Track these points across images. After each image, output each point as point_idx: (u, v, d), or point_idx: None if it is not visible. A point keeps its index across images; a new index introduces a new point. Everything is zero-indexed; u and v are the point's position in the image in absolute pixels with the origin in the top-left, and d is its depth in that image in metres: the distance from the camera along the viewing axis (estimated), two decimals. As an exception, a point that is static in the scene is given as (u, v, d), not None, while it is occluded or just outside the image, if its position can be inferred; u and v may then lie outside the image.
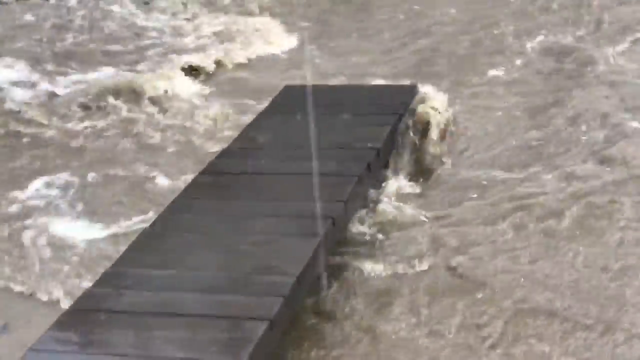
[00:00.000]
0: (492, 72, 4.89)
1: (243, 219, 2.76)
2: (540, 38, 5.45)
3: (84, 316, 2.21)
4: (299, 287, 2.34)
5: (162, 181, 3.63)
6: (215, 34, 6.12)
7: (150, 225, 2.78)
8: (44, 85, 5.03)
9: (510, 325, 2.36)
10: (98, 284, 2.43)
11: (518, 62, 5.05)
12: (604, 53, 5.00)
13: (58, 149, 4.15)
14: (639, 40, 5.31)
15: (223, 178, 3.17)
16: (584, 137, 3.75)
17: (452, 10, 6.27)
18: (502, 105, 4.34)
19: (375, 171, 3.23)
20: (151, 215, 3.08)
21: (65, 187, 3.66)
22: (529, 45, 5.30)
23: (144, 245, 2.63)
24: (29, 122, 4.50)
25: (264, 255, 2.48)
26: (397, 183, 3.33)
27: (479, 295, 2.51)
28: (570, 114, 4.04)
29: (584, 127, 3.86)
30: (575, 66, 4.86)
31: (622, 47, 5.16)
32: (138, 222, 3.17)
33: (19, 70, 5.26)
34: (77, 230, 3.20)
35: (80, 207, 3.45)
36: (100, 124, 4.42)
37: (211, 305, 2.21)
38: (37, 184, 3.72)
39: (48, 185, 3.71)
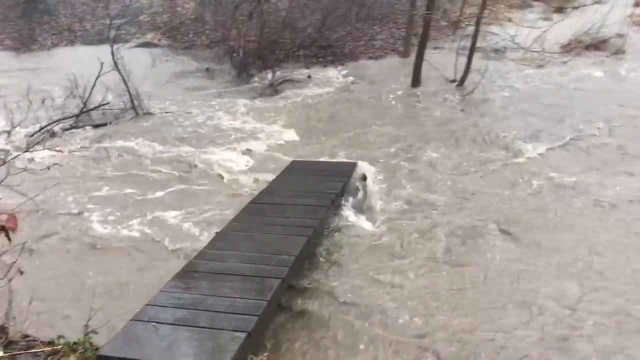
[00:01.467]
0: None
1: (268, 226, 5.66)
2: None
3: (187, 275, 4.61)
4: (297, 262, 4.77)
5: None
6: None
7: (220, 230, 5.74)
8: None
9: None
10: (197, 257, 5.07)
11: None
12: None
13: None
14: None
15: (260, 206, 6.11)
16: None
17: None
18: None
19: (336, 204, 6.30)
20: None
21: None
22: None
23: (219, 238, 5.54)
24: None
25: (279, 245, 5.02)
26: (347, 211, 6.37)
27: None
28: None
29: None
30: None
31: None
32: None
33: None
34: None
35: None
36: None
37: (250, 270, 4.59)
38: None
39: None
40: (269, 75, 12.45)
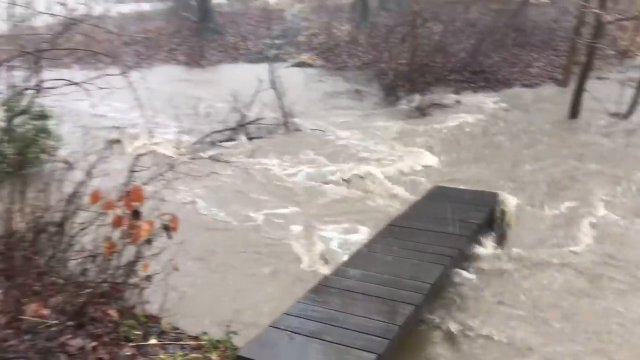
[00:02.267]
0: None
1: (404, 250, 5.62)
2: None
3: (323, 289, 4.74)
4: (432, 290, 4.68)
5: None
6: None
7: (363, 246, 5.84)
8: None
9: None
10: (333, 273, 5.10)
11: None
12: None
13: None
14: None
15: (398, 229, 6.06)
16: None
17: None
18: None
19: (476, 234, 6.12)
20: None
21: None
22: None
23: (355, 257, 5.61)
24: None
25: (415, 271, 4.95)
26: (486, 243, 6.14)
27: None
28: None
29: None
30: None
31: None
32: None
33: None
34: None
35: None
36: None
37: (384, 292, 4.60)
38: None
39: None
40: (417, 99, 12.44)
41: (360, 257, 5.27)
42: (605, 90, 11.49)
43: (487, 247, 5.98)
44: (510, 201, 6.71)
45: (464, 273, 5.53)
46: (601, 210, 6.97)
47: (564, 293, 5.23)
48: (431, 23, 15.45)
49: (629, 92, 10.62)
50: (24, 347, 3.59)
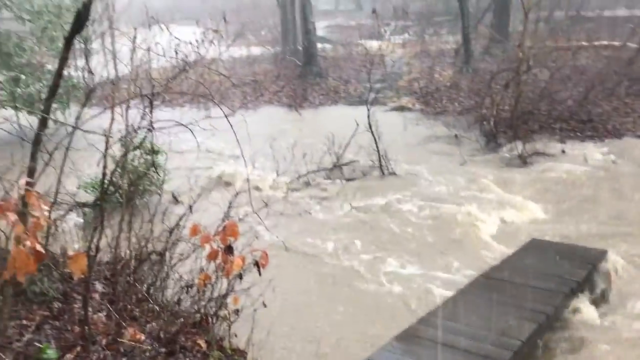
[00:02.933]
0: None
1: (496, 304, 5.37)
2: None
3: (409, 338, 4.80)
4: (523, 348, 4.50)
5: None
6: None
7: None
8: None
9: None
10: (419, 322, 5.03)
11: None
12: None
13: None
14: None
15: (491, 281, 5.87)
16: None
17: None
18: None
19: (575, 293, 5.77)
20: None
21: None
22: None
23: (444, 307, 5.48)
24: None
25: (506, 326, 4.83)
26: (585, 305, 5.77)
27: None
28: None
29: None
30: None
31: None
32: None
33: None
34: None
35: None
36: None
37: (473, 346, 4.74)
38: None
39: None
40: (519, 146, 12.08)
41: (449, 308, 5.15)
42: None
43: (584, 309, 5.60)
44: (614, 260, 6.30)
45: (557, 334, 5.21)
46: None
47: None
48: (537, 69, 15.04)
49: None
50: (119, 369, 3.81)
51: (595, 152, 12.04)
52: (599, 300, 5.89)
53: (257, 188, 9.55)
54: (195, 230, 4.35)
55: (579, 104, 14.49)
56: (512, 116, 13.54)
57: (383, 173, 10.94)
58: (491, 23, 22.35)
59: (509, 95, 14.16)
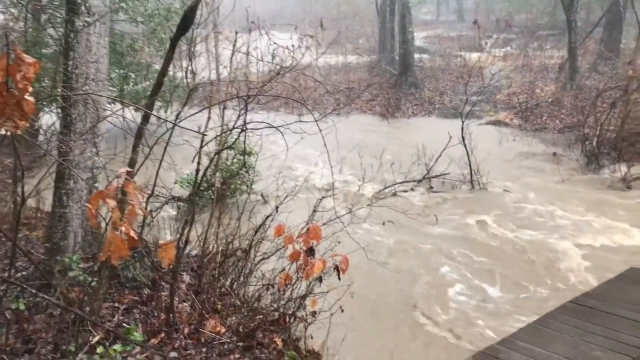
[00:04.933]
0: None
1: (584, 332, 4.97)
2: None
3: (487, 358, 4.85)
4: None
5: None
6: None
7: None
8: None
9: None
10: (500, 343, 4.90)
11: None
12: None
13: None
14: None
15: (581, 308, 5.47)
16: None
17: None
18: None
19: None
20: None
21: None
22: None
23: (528, 330, 5.25)
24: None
25: (594, 357, 4.58)
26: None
27: None
28: None
29: None
30: None
31: None
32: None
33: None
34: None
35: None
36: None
37: None
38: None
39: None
40: (623, 169, 11.36)
41: (532, 332, 4.94)
42: None
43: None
44: None
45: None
46: None
47: None
48: (649, 88, 14.08)
49: None
50: (199, 358, 3.97)
51: None
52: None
53: (343, 194, 9.61)
54: (279, 231, 4.47)
55: (694, 127, 13.41)
56: (617, 137, 12.77)
57: (473, 187, 10.67)
58: (601, 38, 21.18)
59: (615, 115, 13.35)
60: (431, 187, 10.66)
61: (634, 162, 11.62)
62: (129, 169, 2.73)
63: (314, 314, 4.49)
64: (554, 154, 13.23)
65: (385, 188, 10.29)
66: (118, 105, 9.15)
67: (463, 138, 10.98)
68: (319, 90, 17.83)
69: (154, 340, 4.09)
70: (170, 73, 12.48)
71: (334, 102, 19.28)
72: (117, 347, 3.47)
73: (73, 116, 4.66)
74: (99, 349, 3.41)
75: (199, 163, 4.60)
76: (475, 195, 10.43)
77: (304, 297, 4.63)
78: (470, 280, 6.90)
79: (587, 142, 13.09)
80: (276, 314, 4.75)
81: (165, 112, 13.25)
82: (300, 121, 4.89)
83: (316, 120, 4.61)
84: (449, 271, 7.19)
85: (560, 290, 6.58)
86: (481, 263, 7.47)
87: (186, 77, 9.88)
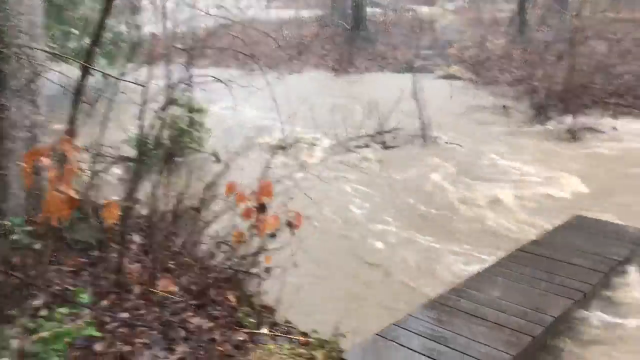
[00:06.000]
0: None
1: (531, 278, 5.10)
2: None
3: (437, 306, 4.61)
4: (555, 325, 4.35)
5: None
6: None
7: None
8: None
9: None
10: (450, 291, 4.81)
11: None
12: None
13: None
14: None
15: (527, 255, 5.61)
16: None
17: None
18: None
19: (615, 272, 5.58)
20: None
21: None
22: None
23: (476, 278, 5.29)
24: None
25: (539, 302, 4.64)
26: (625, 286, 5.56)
27: None
28: None
29: None
30: None
31: None
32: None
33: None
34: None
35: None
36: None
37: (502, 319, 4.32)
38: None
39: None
40: (569, 120, 11.67)
41: (481, 280, 5.08)
42: None
43: (624, 290, 5.41)
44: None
45: (593, 314, 5.05)
46: None
47: None
48: (594, 41, 14.40)
49: None
50: (151, 318, 3.93)
51: (650, 130, 11.54)
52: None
53: (297, 150, 9.54)
54: (230, 189, 4.40)
55: (637, 79, 13.83)
56: (564, 89, 13.06)
57: (425, 142, 10.77)
58: (550, -9, 21.40)
59: (562, 68, 13.63)
60: (384, 142, 10.70)
61: (580, 113, 11.93)
62: (68, 127, 2.60)
63: (267, 270, 4.48)
64: (504, 106, 13.45)
65: (339, 143, 10.27)
66: (63, 65, 8.73)
67: (415, 93, 11.01)
68: (270, 45, 17.48)
69: (104, 302, 4.01)
70: (117, 29, 11.92)
71: (287, 57, 18.97)
72: (63, 309, 3.38)
73: (6, 72, 4.40)
74: (43, 312, 3.32)
75: (142, 119, 4.44)
76: (428, 149, 10.54)
77: (256, 254, 4.60)
78: (413, 231, 7.03)
79: (535, 95, 13.36)
80: (230, 271, 4.73)
81: (110, 68, 12.74)
82: (249, 74, 4.77)
83: (265, 74, 4.50)
84: (397, 221, 7.29)
85: (506, 237, 6.77)
86: (423, 212, 7.61)
87: (130, 31, 9.51)
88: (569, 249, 5.74)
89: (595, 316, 4.92)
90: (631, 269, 5.65)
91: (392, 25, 22.86)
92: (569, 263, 5.39)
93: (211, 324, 3.96)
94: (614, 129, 11.63)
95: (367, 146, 10.50)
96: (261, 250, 4.56)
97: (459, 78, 16.78)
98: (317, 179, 6.99)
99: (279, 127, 9.21)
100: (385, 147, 10.54)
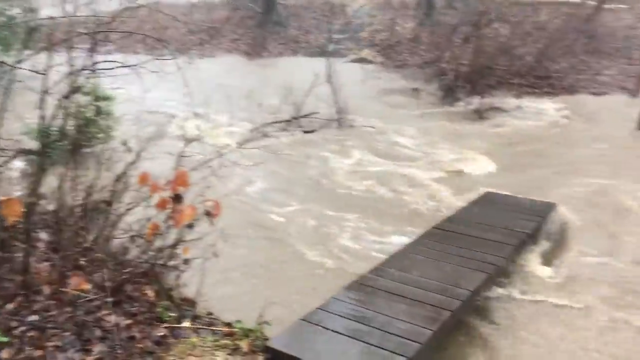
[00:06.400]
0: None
1: (447, 255, 5.28)
2: None
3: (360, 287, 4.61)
4: (472, 298, 4.57)
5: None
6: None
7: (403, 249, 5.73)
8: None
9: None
10: (371, 272, 4.90)
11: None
12: None
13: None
14: None
15: (443, 232, 5.81)
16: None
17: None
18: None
19: (524, 245, 5.90)
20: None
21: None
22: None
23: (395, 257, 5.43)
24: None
25: (456, 277, 4.80)
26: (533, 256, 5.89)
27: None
28: None
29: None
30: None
31: None
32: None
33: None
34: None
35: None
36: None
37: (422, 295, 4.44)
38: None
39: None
40: (476, 101, 12.16)
41: (400, 258, 5.19)
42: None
43: (533, 260, 5.73)
44: (564, 213, 6.46)
45: (505, 284, 5.31)
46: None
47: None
48: (497, 24, 15.03)
49: None
50: (63, 319, 3.71)
51: (550, 108, 12.24)
52: (548, 252, 6.02)
53: (213, 137, 9.34)
54: (144, 179, 4.21)
55: (537, 60, 14.61)
56: (470, 70, 13.57)
57: (341, 125, 10.86)
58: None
59: (468, 50, 14.14)
60: (301, 127, 10.69)
61: (486, 94, 12.46)
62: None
63: (186, 261, 4.34)
64: (414, 89, 13.80)
65: (255, 129, 10.13)
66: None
67: (329, 77, 11.05)
68: (181, 30, 16.96)
69: (10, 305, 3.74)
70: (8, 11, 11.08)
71: (198, 42, 18.46)
72: (-38, 318, 3.11)
73: None
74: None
75: (43, 109, 4.15)
76: (343, 133, 10.64)
77: (174, 246, 4.45)
78: (330, 211, 7.11)
79: (443, 77, 13.80)
80: (146, 265, 4.54)
81: (5, 55, 11.86)
82: (158, 59, 4.57)
83: (175, 59, 4.32)
84: (316, 203, 7.33)
85: (415, 212, 7.06)
86: (337, 194, 7.73)
87: (26, 15, 8.86)
88: (481, 225, 5.99)
89: (506, 292, 5.18)
90: (537, 241, 5.99)
91: (303, 9, 22.77)
92: (482, 238, 5.63)
93: (129, 321, 3.80)
94: (519, 107, 12.24)
95: (283, 131, 10.44)
96: (178, 241, 4.42)
97: (370, 62, 17.02)
98: (234, 165, 6.86)
99: (193, 114, 9.00)
100: (303, 131, 10.53)
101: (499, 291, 5.14)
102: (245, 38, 19.77)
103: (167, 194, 4.15)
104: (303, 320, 4.05)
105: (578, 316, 4.92)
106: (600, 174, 8.31)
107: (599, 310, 4.95)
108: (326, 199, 7.58)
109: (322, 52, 16.30)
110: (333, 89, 10.97)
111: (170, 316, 3.98)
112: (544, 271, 5.61)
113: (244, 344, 3.83)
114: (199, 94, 6.34)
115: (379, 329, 3.95)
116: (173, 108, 11.16)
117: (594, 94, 13.33)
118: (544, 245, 6.07)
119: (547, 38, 15.21)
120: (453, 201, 7.34)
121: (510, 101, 12.59)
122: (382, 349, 3.71)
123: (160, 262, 4.45)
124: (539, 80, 14.09)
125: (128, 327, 3.74)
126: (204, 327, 4.03)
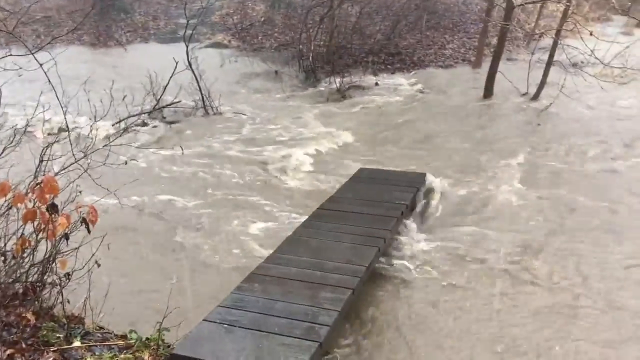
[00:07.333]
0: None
1: (337, 234, 5.40)
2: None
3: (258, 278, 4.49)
4: (367, 273, 4.67)
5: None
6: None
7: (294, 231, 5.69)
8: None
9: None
10: (267, 260, 4.84)
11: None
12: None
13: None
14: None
15: (329, 212, 5.84)
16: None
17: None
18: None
19: (405, 215, 6.15)
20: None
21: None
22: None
23: (288, 243, 5.38)
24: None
25: (349, 255, 4.84)
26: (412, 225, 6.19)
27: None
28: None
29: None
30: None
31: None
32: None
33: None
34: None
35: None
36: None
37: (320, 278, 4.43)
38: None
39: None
40: (337, 81, 12.42)
41: (293, 243, 5.15)
42: (516, 72, 11.97)
43: (411, 229, 6.01)
44: (434, 181, 6.83)
45: (392, 255, 5.52)
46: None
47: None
48: (348, 4, 15.42)
49: (536, 73, 11.10)
50: None
51: (404, 82, 12.86)
52: (423, 219, 6.34)
53: (74, 137, 8.55)
54: (4, 189, 3.73)
55: (387, 37, 15.24)
56: (327, 51, 13.82)
57: (208, 113, 10.54)
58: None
59: (323, 31, 14.37)
60: (164, 118, 10.21)
61: (345, 73, 12.77)
62: None
63: (67, 275, 3.93)
64: (276, 72, 13.77)
65: (115, 123, 9.48)
66: None
67: (189, 63, 10.64)
68: (10, 22, 15.30)
69: None
70: None
71: (32, 34, 16.87)
72: None
73: None
74: None
75: None
76: (210, 120, 10.34)
77: (49, 260, 4.02)
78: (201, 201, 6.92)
79: (303, 59, 13.90)
80: (17, 285, 4.06)
81: None
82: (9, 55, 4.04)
83: (26, 54, 3.84)
84: (195, 194, 7.06)
85: (287, 189, 7.15)
86: (214, 182, 7.56)
87: None
88: (362, 201, 6.13)
89: (392, 262, 5.38)
90: (415, 212, 6.28)
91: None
92: (366, 214, 5.75)
93: (10, 351, 3.36)
94: (376, 84, 12.72)
95: (145, 124, 9.90)
96: (54, 255, 3.99)
97: (226, 46, 16.70)
98: (101, 165, 6.35)
99: (49, 114, 8.17)
100: (166, 122, 10.05)
101: (382, 260, 5.33)
102: (88, 27, 18.40)
103: (34, 203, 3.72)
104: (206, 320, 3.86)
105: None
106: (457, 137, 8.98)
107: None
108: (192, 187, 7.33)
109: (174, 38, 15.68)
110: (195, 76, 10.58)
111: (57, 337, 3.59)
112: (420, 234, 5.93)
113: (145, 356, 3.57)
114: (51, 92, 5.73)
115: (285, 317, 3.88)
116: (25, 107, 10.06)
117: (441, 66, 14.24)
118: (419, 212, 6.39)
119: (394, 16, 15.91)
120: (326, 179, 7.47)
121: (368, 79, 13.03)
122: (292, 337, 3.64)
123: (35, 279, 4.00)
124: (391, 57, 14.73)
125: (10, 357, 3.31)
126: (98, 343, 3.70)
